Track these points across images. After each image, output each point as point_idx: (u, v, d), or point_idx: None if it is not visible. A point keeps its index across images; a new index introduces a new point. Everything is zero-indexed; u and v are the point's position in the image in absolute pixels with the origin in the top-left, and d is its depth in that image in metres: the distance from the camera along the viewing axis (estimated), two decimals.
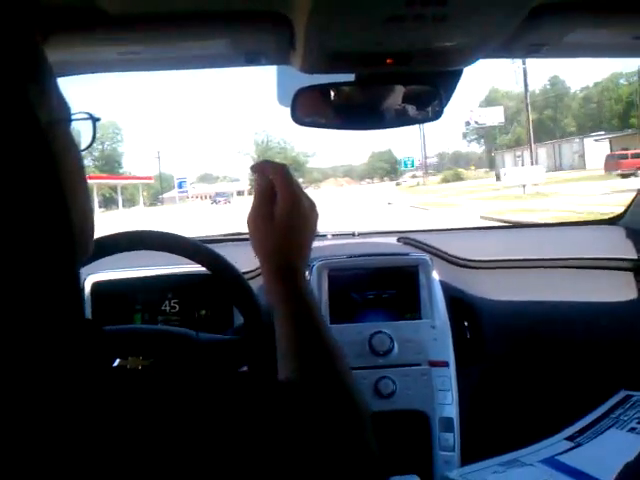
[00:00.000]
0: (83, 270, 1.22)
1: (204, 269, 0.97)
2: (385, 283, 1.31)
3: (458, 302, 1.33)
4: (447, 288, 1.32)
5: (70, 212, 0.38)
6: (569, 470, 0.89)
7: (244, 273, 1.00)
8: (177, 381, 0.42)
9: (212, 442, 0.37)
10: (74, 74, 1.01)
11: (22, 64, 0.38)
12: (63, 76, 1.00)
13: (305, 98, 1.01)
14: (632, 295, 1.41)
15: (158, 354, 0.92)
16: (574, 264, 1.44)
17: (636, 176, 22.03)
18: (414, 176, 54.14)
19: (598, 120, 55.88)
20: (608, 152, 31.82)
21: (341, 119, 1.07)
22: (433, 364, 1.24)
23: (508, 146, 57.73)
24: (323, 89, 1.03)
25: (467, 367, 1.28)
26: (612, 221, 1.60)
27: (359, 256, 1.34)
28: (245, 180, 70.54)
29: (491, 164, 56.53)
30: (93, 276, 1.29)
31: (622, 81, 53.53)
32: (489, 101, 65.38)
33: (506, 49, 0.90)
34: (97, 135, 0.56)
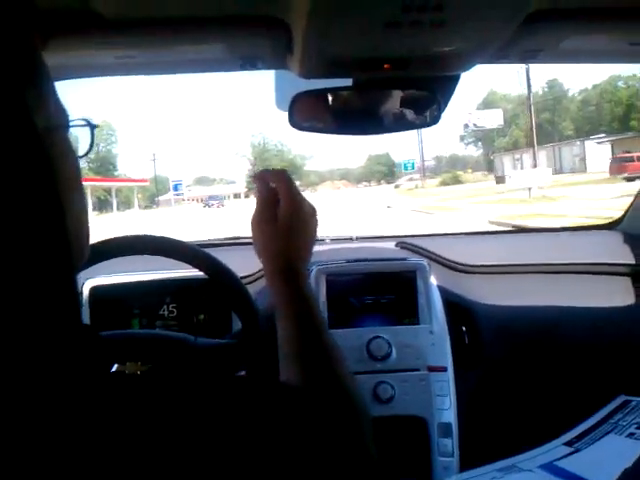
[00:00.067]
0: (81, 274, 1.22)
1: (202, 274, 0.97)
2: (383, 288, 1.30)
3: (456, 307, 1.33)
4: (445, 293, 1.32)
5: (66, 218, 0.38)
6: (568, 476, 0.89)
7: (242, 278, 1.00)
8: (176, 386, 0.42)
9: (212, 446, 0.37)
10: (70, 78, 1.01)
11: (20, 68, 0.38)
12: (59, 80, 1.00)
13: (303, 103, 1.01)
14: (630, 300, 1.41)
15: (156, 359, 0.92)
16: (572, 269, 1.44)
17: None
18: (411, 179, 54.16)
19: (597, 123, 55.96)
20: (609, 155, 31.59)
21: (339, 124, 1.07)
22: (431, 369, 1.24)
23: (506, 149, 57.76)
24: (321, 94, 1.03)
25: (465, 372, 1.28)
26: (610, 226, 1.60)
27: (357, 261, 1.34)
28: (242, 183, 70.49)
29: (489, 167, 56.57)
30: (91, 280, 1.29)
31: (620, 84, 53.63)
32: (487, 104, 65.42)
33: (503, 55, 0.91)
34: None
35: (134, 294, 1.32)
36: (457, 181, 46.10)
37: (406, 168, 45.13)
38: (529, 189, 18.54)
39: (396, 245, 1.46)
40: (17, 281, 0.33)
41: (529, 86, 30.41)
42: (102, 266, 0.93)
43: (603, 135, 41.63)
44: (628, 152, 27.75)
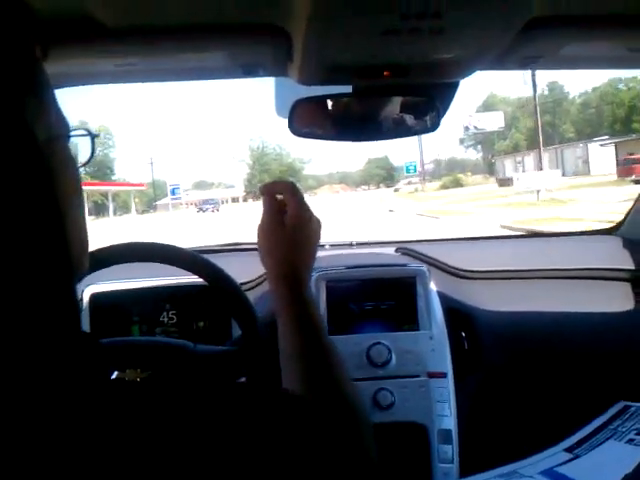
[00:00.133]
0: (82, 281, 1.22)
1: (202, 280, 0.97)
2: (383, 294, 1.30)
3: (456, 313, 1.32)
4: (445, 299, 1.32)
5: (66, 226, 0.38)
6: None
7: (242, 284, 1.00)
8: (176, 393, 0.42)
9: (213, 453, 0.37)
10: (71, 86, 1.01)
11: (21, 77, 0.38)
12: (60, 88, 1.00)
13: (302, 109, 1.02)
14: (629, 306, 1.41)
15: (156, 366, 0.92)
16: (571, 275, 1.44)
17: None
18: (410, 182, 54.00)
19: (597, 125, 55.96)
20: (613, 157, 31.26)
21: (338, 130, 1.07)
22: (431, 375, 1.23)
23: (506, 152, 57.80)
24: (320, 100, 1.03)
25: (465, 378, 1.28)
26: (609, 231, 1.60)
27: (357, 267, 1.34)
28: (240, 187, 70.31)
29: (490, 170, 56.54)
30: (91, 287, 1.29)
31: (621, 86, 53.63)
32: (486, 106, 65.47)
33: (502, 61, 0.91)
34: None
35: (134, 301, 1.32)
36: (458, 184, 45.93)
37: (408, 171, 44.95)
38: (537, 192, 18.07)
39: (396, 251, 1.46)
40: (17, 289, 0.33)
41: (534, 86, 29.55)
42: (102, 273, 0.93)
43: (606, 137, 41.30)
44: (632, 154, 27.41)
